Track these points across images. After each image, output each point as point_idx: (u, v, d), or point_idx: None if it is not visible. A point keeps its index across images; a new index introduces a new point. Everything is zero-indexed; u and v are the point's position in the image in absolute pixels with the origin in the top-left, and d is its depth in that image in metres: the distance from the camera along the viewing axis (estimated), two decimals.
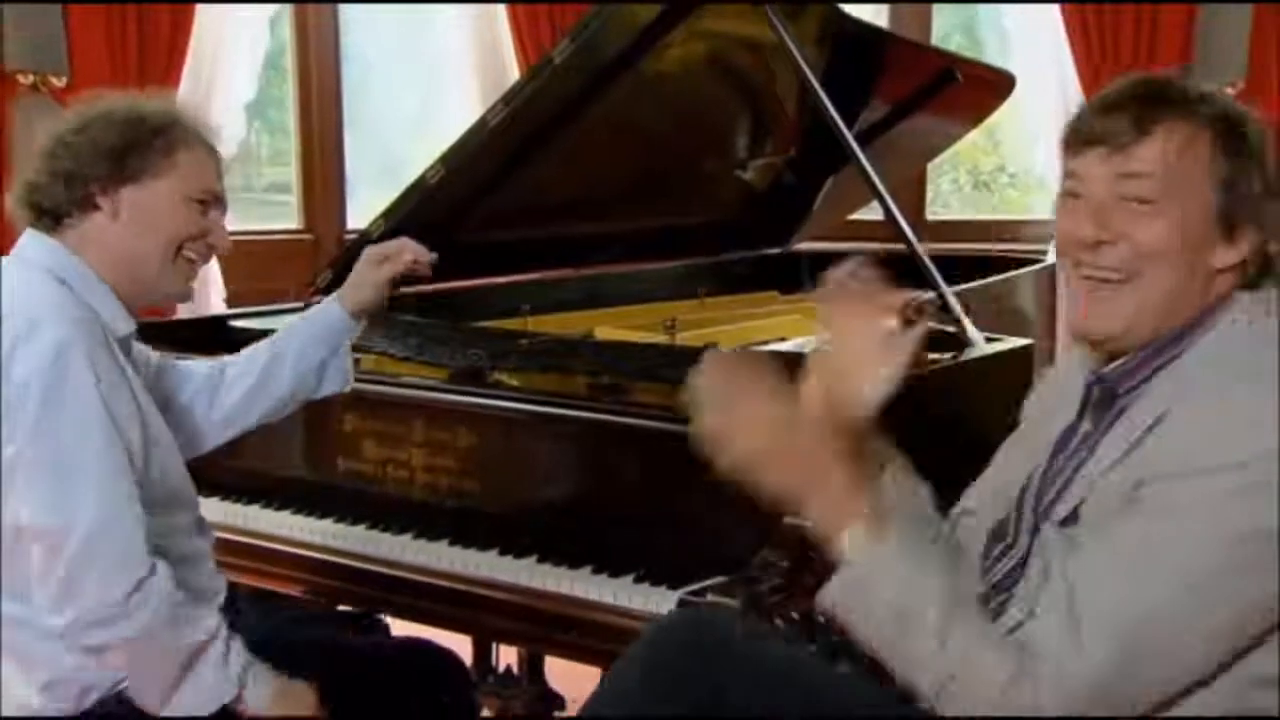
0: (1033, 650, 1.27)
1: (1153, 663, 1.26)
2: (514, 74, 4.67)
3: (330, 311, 2.03)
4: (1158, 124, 1.34)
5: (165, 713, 1.66)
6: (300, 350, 2.01)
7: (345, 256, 2.68)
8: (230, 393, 1.99)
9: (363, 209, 4.70)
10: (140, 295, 1.77)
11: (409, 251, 2.04)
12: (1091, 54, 4.79)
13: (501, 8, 4.82)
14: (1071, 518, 1.39)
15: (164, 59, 4.28)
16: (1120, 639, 1.25)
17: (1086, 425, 1.44)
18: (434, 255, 2.06)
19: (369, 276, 2.03)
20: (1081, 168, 1.40)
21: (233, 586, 1.89)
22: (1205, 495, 1.23)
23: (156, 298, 1.82)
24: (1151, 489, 1.28)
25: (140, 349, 1.90)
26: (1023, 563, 1.45)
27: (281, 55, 4.81)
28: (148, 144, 1.72)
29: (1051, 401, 1.57)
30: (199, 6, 4.31)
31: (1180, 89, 1.37)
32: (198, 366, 2.01)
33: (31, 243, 1.73)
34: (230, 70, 4.44)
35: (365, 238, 2.52)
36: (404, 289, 2.14)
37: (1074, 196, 1.41)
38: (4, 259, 1.74)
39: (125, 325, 1.75)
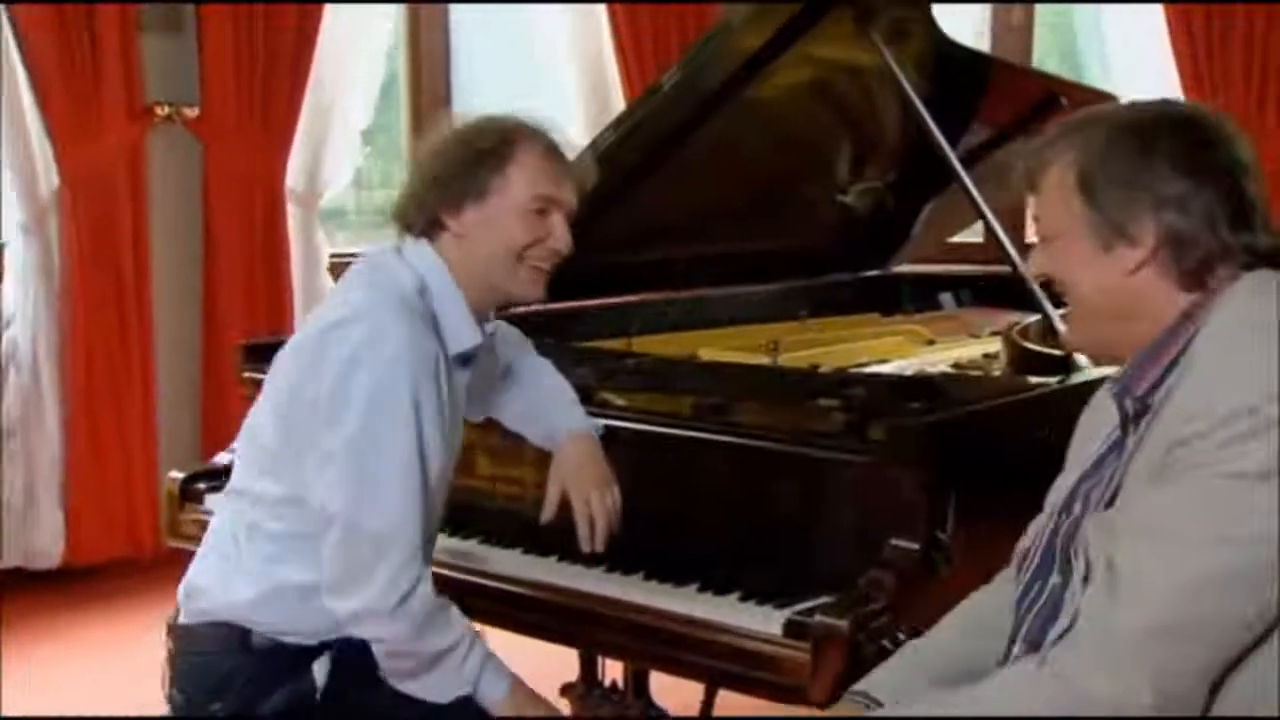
0: (1074, 629, 1.35)
1: (1201, 625, 1.29)
2: (619, 100, 4.75)
3: (555, 435, 2.06)
4: (1038, 178, 1.49)
5: (402, 689, 1.84)
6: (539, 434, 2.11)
7: None
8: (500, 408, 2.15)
9: None
10: (492, 301, 1.92)
11: (600, 518, 1.99)
12: (1200, 78, 4.71)
13: (605, 31, 4.89)
14: (1105, 504, 1.45)
15: (287, 90, 4.47)
16: (1161, 603, 1.29)
17: (1134, 437, 1.47)
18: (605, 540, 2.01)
19: (567, 477, 2.01)
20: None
21: None
22: (1221, 444, 1.28)
23: (509, 301, 1.96)
24: (1174, 455, 1.32)
25: (501, 334, 2.08)
26: (1061, 587, 1.47)
27: (395, 83, 4.95)
28: (479, 165, 1.84)
29: (1087, 432, 1.60)
30: (320, 40, 4.49)
31: (1047, 140, 1.49)
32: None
33: (414, 244, 1.89)
34: (348, 99, 4.62)
35: None
36: (513, 309, 2.20)
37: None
38: (385, 249, 1.92)
39: (470, 338, 1.89)
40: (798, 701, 1.82)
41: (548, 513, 2.01)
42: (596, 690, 2.39)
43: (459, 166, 1.85)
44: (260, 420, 1.91)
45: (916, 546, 1.80)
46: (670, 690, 2.32)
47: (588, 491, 1.98)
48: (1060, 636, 1.42)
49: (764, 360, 2.54)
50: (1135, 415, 1.45)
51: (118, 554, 4.19)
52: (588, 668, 2.41)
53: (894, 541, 1.81)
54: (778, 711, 1.91)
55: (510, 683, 1.87)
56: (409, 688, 1.85)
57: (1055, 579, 1.49)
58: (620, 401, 2.23)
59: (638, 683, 2.36)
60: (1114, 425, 1.51)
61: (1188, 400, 1.33)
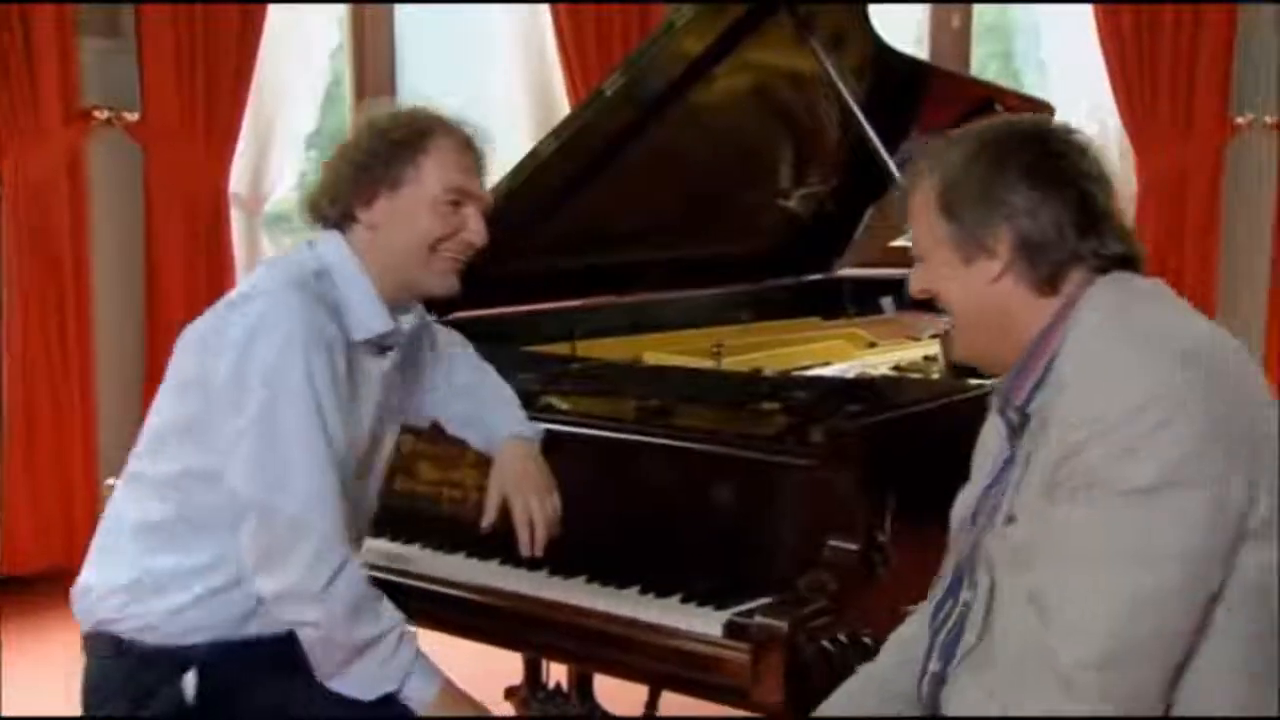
0: (1018, 667, 1.36)
1: (1143, 646, 1.31)
2: (563, 102, 4.77)
3: (495, 440, 2.08)
4: (908, 202, 1.58)
5: (329, 686, 1.81)
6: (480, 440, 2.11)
7: None
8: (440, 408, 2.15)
9: None
10: (406, 292, 1.91)
11: (540, 524, 2.00)
12: (1129, 83, 4.81)
13: (549, 35, 4.90)
14: (1005, 519, 1.48)
15: (230, 93, 4.43)
16: (1098, 632, 1.31)
17: (1022, 449, 1.50)
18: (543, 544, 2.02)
19: (507, 482, 2.02)
20: None
21: None
22: (1111, 458, 1.32)
23: (423, 293, 1.94)
24: (1065, 469, 1.36)
25: (438, 333, 2.11)
26: (985, 601, 1.50)
27: (338, 87, 4.94)
28: (392, 156, 1.84)
29: (984, 445, 1.65)
30: (263, 43, 4.45)
31: (912, 165, 1.60)
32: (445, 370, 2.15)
33: (324, 234, 1.89)
34: (292, 102, 4.60)
35: None
36: (455, 314, 2.21)
37: None
38: (304, 241, 1.91)
39: (378, 324, 1.88)
40: (739, 703, 1.83)
41: (488, 518, 2.02)
42: (541, 693, 2.40)
43: (372, 157, 1.85)
44: (158, 405, 1.91)
45: (855, 548, 1.83)
46: (614, 693, 2.34)
47: (527, 497, 1.99)
48: (968, 653, 1.46)
49: (707, 364, 2.56)
50: (1020, 426, 1.50)
51: (55, 562, 4.13)
52: (532, 671, 2.42)
53: (833, 543, 1.83)
54: (721, 713, 1.92)
55: (441, 684, 1.86)
56: (336, 684, 1.82)
57: (966, 595, 1.52)
58: (564, 405, 2.25)
59: (581, 685, 2.38)
60: (1004, 438, 1.56)
61: (1070, 411, 1.38)
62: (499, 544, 2.08)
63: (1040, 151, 1.48)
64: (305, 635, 1.81)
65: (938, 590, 1.59)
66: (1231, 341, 1.48)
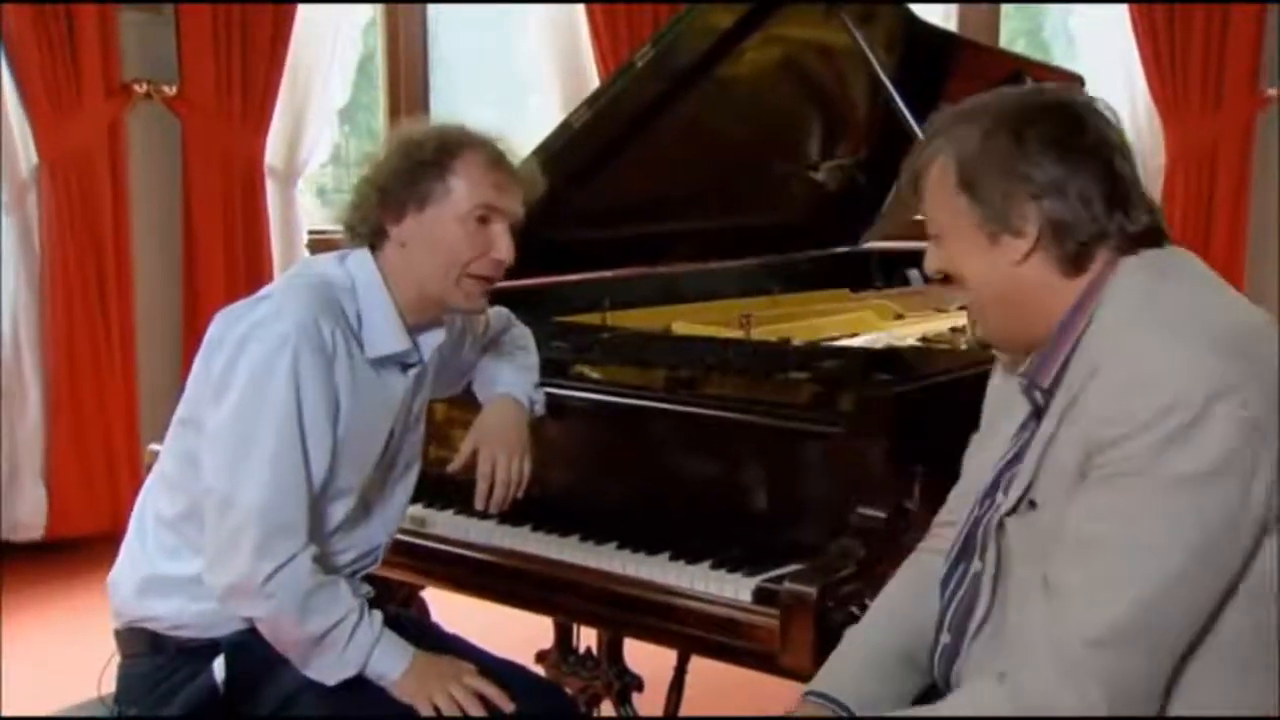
0: (1024, 641, 1.36)
1: (1151, 634, 1.30)
2: (593, 75, 4.78)
3: (490, 394, 2.12)
4: (920, 179, 1.50)
5: (301, 671, 1.82)
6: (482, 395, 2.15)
7: None
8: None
9: None
10: (434, 309, 1.91)
11: (500, 482, 2.03)
12: (1160, 54, 4.78)
13: (580, 9, 4.91)
14: (1027, 504, 1.45)
15: (265, 68, 4.49)
16: (1115, 614, 1.29)
17: (1044, 430, 1.46)
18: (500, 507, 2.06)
19: (481, 434, 2.06)
20: None
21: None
22: (1154, 449, 1.28)
23: (450, 312, 1.94)
24: (1101, 459, 1.32)
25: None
26: (992, 574, 1.49)
27: (371, 61, 4.97)
28: (421, 174, 1.83)
29: (1003, 399, 1.61)
30: (298, 18, 4.51)
31: (924, 140, 1.52)
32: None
33: (356, 251, 1.89)
34: (325, 77, 4.65)
35: None
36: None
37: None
38: (333, 253, 1.92)
39: (392, 344, 1.88)
40: (768, 668, 1.86)
41: (455, 463, 2.06)
42: (571, 657, 2.43)
43: (401, 174, 1.84)
44: (183, 397, 1.91)
45: (883, 515, 1.85)
46: (643, 657, 2.37)
47: (495, 453, 2.02)
48: (979, 628, 1.47)
49: (736, 334, 2.58)
50: (1046, 406, 1.47)
51: (100, 527, 4.22)
52: (563, 635, 2.45)
53: (861, 510, 1.85)
54: (750, 677, 1.95)
55: (409, 661, 1.84)
56: (304, 671, 1.83)
57: (976, 565, 1.51)
58: (595, 374, 2.27)
59: (611, 650, 2.40)
60: (1027, 414, 1.53)
61: (1101, 405, 1.34)
62: (532, 512, 2.12)
63: (1064, 122, 1.42)
64: (260, 628, 1.82)
65: (949, 558, 1.57)
66: (1263, 316, 1.43)
